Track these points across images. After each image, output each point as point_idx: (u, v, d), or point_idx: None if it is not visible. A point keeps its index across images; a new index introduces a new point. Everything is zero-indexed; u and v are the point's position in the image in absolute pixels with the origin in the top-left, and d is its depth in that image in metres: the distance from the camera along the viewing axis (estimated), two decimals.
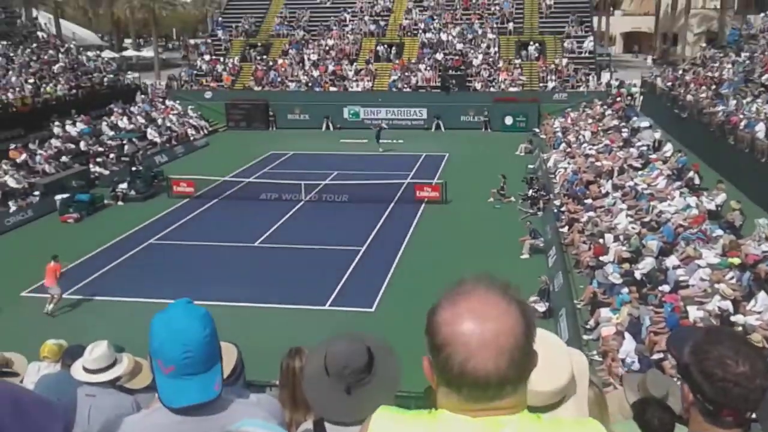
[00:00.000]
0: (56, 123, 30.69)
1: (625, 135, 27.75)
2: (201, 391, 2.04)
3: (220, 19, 50.82)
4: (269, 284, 17.49)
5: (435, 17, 45.49)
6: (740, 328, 11.98)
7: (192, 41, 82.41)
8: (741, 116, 23.61)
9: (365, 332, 2.50)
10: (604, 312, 14.31)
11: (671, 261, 15.47)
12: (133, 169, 27.20)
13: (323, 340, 2.51)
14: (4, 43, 34.98)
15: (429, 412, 1.41)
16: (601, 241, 17.54)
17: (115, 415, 3.80)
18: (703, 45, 47.56)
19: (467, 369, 1.29)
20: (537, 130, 35.56)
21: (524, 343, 1.33)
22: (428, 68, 41.07)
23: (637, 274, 15.35)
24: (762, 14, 37.49)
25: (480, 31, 43.69)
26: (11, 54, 34.32)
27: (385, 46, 43.63)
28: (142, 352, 5.20)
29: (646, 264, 15.59)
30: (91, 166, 28.69)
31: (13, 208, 23.40)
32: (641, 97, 39.75)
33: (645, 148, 25.45)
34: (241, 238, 21.02)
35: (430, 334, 1.35)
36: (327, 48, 44.09)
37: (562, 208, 21.32)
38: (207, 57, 45.09)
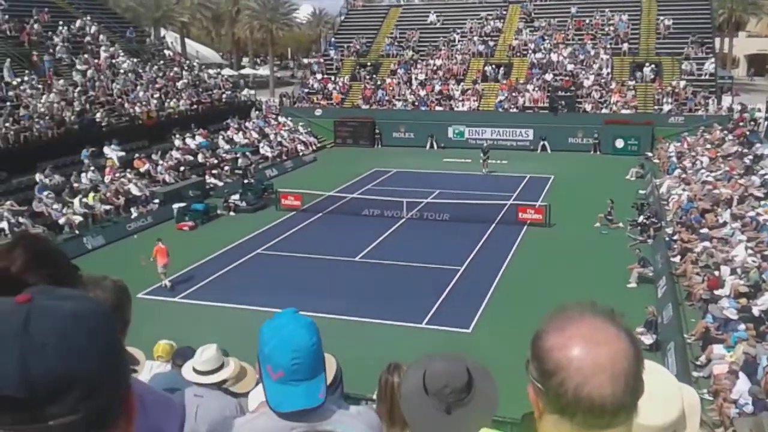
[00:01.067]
0: (177, 136, 32.64)
1: (747, 162, 26.14)
2: (307, 397, 2.12)
3: (332, 39, 52.47)
4: (368, 299, 17.74)
5: (546, 37, 44.84)
6: None
7: (305, 60, 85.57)
8: None
9: (464, 353, 2.50)
10: (717, 349, 13.50)
11: None
12: (246, 181, 28.46)
13: (420, 357, 2.52)
14: (135, 60, 37.64)
15: None
16: (716, 273, 16.59)
17: (221, 416, 4.00)
18: None
19: (583, 394, 1.26)
20: (650, 154, 34.18)
21: (636, 369, 1.30)
22: (536, 89, 40.50)
23: (755, 311, 14.40)
24: None
25: (592, 52, 42.63)
26: (140, 70, 36.88)
27: (493, 66, 43.45)
28: (246, 357, 5.45)
29: (766, 300, 14.60)
30: (206, 177, 30.30)
31: (134, 214, 25.06)
32: (766, 123, 37.37)
33: None
34: (342, 252, 21.46)
35: (539, 360, 1.32)
36: (435, 68, 44.45)
37: (675, 237, 20.34)
38: (319, 76, 46.61)
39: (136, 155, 29.48)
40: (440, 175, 32.30)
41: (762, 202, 21.33)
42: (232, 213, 26.53)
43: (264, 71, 78.35)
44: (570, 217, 24.08)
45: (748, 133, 32.27)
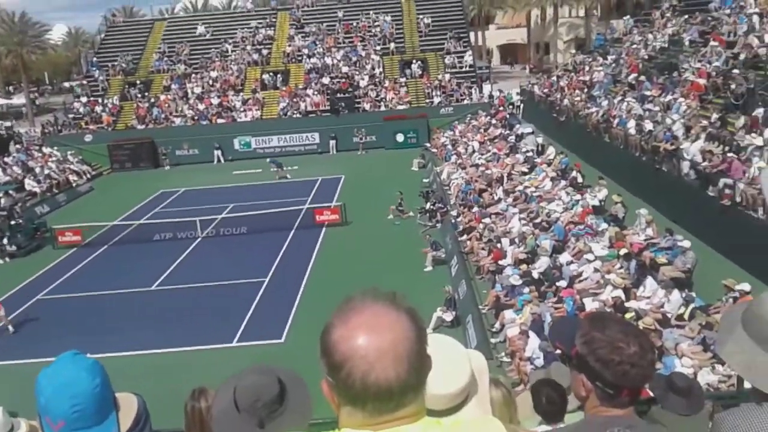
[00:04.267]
0: None
1: (510, 143, 28.90)
2: None
3: (95, 59, 48.93)
4: (172, 327, 16.85)
5: (317, 42, 45.81)
6: (633, 314, 12.66)
7: (67, 84, 79.00)
8: (613, 114, 25.20)
9: (272, 365, 2.45)
10: (508, 314, 14.73)
11: (564, 257, 16.17)
12: (12, 222, 25.54)
13: (229, 377, 2.41)
14: None
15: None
16: (498, 245, 18.11)
17: None
18: (573, 52, 50.59)
19: (369, 381, 1.29)
20: (428, 144, 36.41)
21: (419, 348, 1.35)
22: (316, 93, 41.23)
23: (535, 274, 15.92)
24: (624, 18, 40.26)
25: (363, 53, 44.37)
26: None
27: (271, 74, 43.46)
28: (35, 415, 4.85)
29: (542, 263, 16.22)
30: None
31: None
32: (522, 106, 41.64)
33: (530, 153, 26.59)
34: (137, 283, 20.14)
35: (327, 354, 1.35)
36: (211, 80, 43.39)
37: (459, 218, 21.87)
38: (84, 99, 43.24)
39: None
40: (232, 188, 31.60)
41: (527, 177, 23.71)
42: (1, 260, 23.67)
43: (19, 100, 70.99)
44: (365, 213, 24.87)
45: (508, 116, 35.69)
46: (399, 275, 17.81)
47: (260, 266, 20.68)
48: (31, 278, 21.43)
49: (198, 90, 42.61)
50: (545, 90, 37.28)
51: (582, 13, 72.28)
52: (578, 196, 19.69)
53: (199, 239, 23.96)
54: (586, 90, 31.22)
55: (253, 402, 2.29)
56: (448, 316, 15.33)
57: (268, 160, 35.43)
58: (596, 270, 14.91)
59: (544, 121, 34.11)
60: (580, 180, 22.37)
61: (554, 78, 38.60)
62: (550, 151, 26.62)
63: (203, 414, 3.40)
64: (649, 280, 13.75)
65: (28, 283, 21.01)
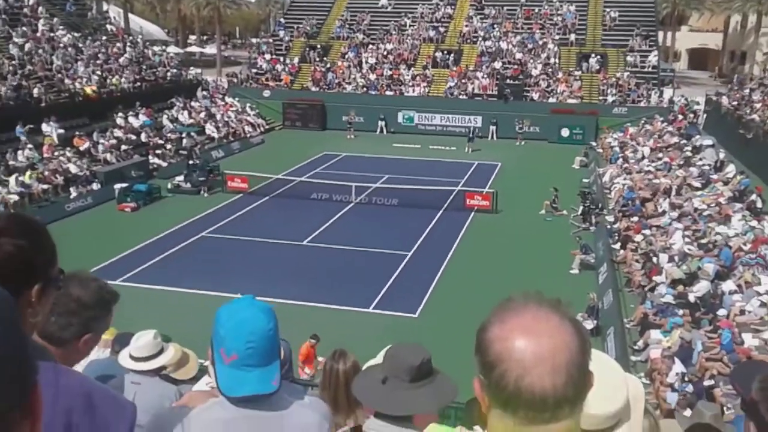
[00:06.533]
0: (120, 114, 31.63)
1: (685, 153, 27.00)
2: (260, 383, 2.07)
3: (282, 19, 51.62)
4: (314, 284, 17.63)
5: (495, 25, 45.18)
6: None
7: (254, 40, 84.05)
8: None
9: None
10: (655, 334, 13.95)
11: (728, 286, 14.98)
12: (191, 162, 27.82)
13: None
14: (75, 34, 36.22)
15: None
16: (655, 260, 17.10)
17: (160, 404, 3.87)
18: None
19: (523, 386, 1.23)
20: (594, 143, 34.92)
21: (580, 360, 1.27)
22: (485, 76, 40.80)
23: (691, 297, 14.92)
24: None
25: (541, 42, 43.18)
26: (81, 45, 35.51)
27: (444, 52, 43.55)
28: (188, 342, 5.31)
29: (701, 287, 15.14)
30: (150, 157, 29.47)
31: (74, 194, 24.22)
32: (705, 116, 38.68)
33: (706, 167, 24.70)
34: (290, 236, 21.26)
35: (481, 352, 1.29)
36: (385, 52, 44.28)
37: (616, 225, 20.87)
38: (267, 56, 45.85)
39: (76, 133, 28.44)
40: (389, 160, 32.25)
41: (699, 193, 22.07)
42: (176, 194, 25.85)
43: (211, 50, 76.65)
44: (516, 203, 24.44)
45: (687, 125, 33.32)
46: (543, 272, 17.40)
47: (405, 240, 21.03)
48: (199, 215, 23.29)
49: (372, 60, 43.66)
50: (734, 102, 34.32)
51: None
52: (754, 223, 18.08)
53: (352, 204, 24.76)
54: None
55: (391, 358, 2.39)
56: (588, 324, 14.75)
57: (471, 127, 36.02)
58: (763, 305, 13.69)
59: (728, 135, 31.48)
60: (759, 205, 20.48)
61: (747, 90, 35.40)
62: (730, 168, 24.56)
63: (339, 375, 3.52)
64: None
65: (196, 219, 22.87)
